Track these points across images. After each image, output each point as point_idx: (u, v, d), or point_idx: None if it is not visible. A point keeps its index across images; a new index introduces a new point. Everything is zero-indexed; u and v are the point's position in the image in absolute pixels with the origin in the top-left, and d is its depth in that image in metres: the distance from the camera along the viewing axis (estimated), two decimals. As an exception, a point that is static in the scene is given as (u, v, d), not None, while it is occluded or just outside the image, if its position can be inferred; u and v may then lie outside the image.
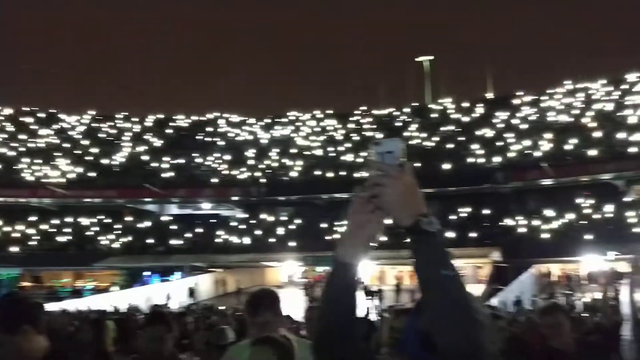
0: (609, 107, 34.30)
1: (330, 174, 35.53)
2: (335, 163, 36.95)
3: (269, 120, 45.96)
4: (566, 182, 29.60)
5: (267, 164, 38.97)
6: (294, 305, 11.03)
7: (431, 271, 1.10)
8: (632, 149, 29.14)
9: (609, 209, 27.17)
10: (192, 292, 25.23)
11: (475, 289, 24.58)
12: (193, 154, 40.26)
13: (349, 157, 37.62)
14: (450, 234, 28.42)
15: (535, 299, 20.61)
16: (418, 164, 34.60)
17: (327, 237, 27.94)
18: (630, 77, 36.52)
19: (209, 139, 42.92)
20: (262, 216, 34.38)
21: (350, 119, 43.84)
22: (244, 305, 2.70)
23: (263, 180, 36.75)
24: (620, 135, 30.49)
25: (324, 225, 30.76)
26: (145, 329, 2.89)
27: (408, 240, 1.13)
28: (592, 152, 30.07)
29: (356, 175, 35.55)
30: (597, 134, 31.46)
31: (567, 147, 31.71)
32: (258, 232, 32.32)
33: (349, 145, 39.66)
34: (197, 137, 43.24)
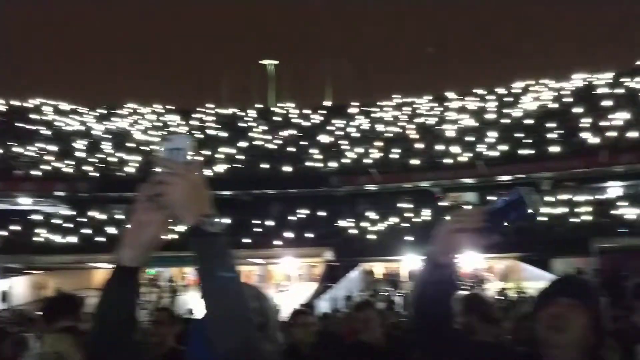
0: (431, 121, 38.15)
1: (169, 171, 34.49)
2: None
3: (103, 111, 43.07)
4: (391, 187, 32.38)
5: (100, 158, 36.53)
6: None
7: (211, 273, 1.08)
8: (448, 160, 32.76)
9: (427, 213, 30.25)
10: (4, 297, 22.80)
11: (309, 287, 25.86)
12: (10, 143, 36.18)
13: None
14: (290, 234, 29.42)
15: (361, 295, 22.16)
16: (264, 166, 35.29)
17: (163, 237, 27.05)
18: (450, 94, 40.97)
19: (31, 127, 38.90)
20: (92, 213, 32.14)
21: (193, 115, 42.95)
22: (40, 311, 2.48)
23: (94, 175, 34.45)
24: (439, 147, 34.09)
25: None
26: None
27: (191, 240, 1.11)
28: (414, 162, 33.22)
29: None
30: (419, 145, 34.81)
31: (392, 156, 34.61)
32: (86, 231, 30.15)
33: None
34: (16, 125, 38.89)
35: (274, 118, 42.70)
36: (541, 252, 23.76)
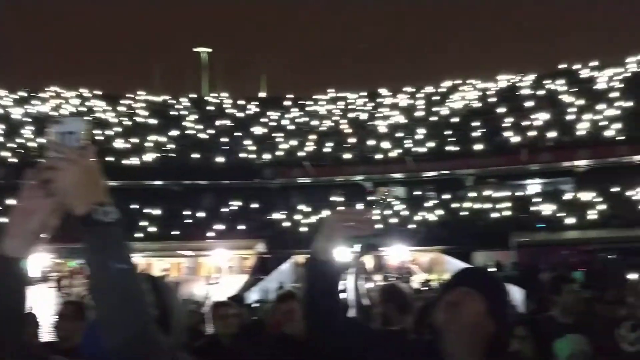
0: (363, 116, 38.76)
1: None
2: (102, 147, 34.73)
3: (23, 94, 40.70)
4: (323, 181, 32.71)
5: (19, 143, 34.56)
6: (42, 303, 10.11)
7: (102, 264, 1.03)
8: (379, 155, 33.43)
9: (358, 206, 30.79)
10: None
11: (240, 279, 25.71)
12: None
13: (119, 143, 35.66)
14: (221, 226, 29.10)
15: (292, 287, 22.30)
16: (196, 155, 34.63)
17: (51, 226, 26.01)
18: (383, 91, 41.76)
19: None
20: (9, 202, 30.38)
21: (122, 102, 41.43)
22: None
23: (13, 161, 32.57)
24: (371, 142, 34.72)
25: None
26: None
27: (83, 230, 1.05)
28: (347, 156, 33.68)
29: (126, 161, 33.85)
30: (352, 140, 35.31)
31: (326, 149, 34.94)
32: (3, 220, 28.47)
33: (119, 129, 37.52)
34: None
35: (207, 107, 41.96)
36: (464, 245, 24.80)
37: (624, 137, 29.09)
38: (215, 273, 27.92)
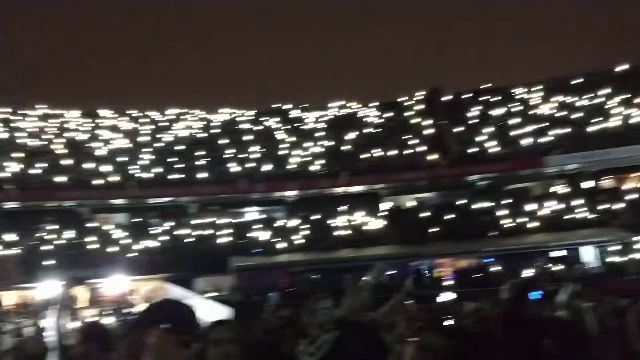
0: (81, 137, 36.05)
1: None
2: None
3: None
4: (31, 206, 29.28)
5: None
6: None
7: None
8: (98, 180, 31.49)
9: (71, 234, 28.40)
10: None
11: None
12: None
13: None
14: None
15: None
16: None
17: None
18: (103, 112, 39.50)
19: None
20: None
21: None
22: None
23: None
24: (88, 165, 32.50)
25: None
26: None
27: None
28: (60, 179, 30.86)
29: None
30: (67, 162, 32.51)
31: (35, 171, 31.40)
32: None
33: None
34: None
35: None
36: (186, 272, 25.14)
37: (325, 172, 33.70)
38: None
